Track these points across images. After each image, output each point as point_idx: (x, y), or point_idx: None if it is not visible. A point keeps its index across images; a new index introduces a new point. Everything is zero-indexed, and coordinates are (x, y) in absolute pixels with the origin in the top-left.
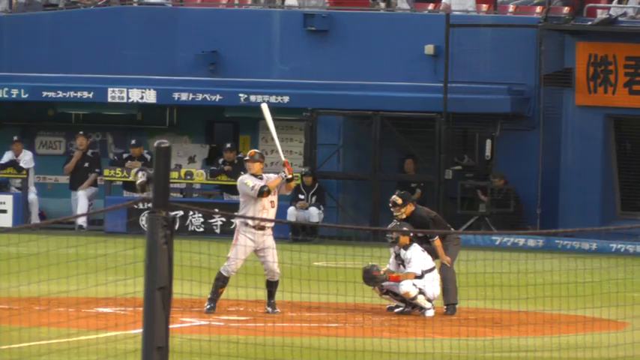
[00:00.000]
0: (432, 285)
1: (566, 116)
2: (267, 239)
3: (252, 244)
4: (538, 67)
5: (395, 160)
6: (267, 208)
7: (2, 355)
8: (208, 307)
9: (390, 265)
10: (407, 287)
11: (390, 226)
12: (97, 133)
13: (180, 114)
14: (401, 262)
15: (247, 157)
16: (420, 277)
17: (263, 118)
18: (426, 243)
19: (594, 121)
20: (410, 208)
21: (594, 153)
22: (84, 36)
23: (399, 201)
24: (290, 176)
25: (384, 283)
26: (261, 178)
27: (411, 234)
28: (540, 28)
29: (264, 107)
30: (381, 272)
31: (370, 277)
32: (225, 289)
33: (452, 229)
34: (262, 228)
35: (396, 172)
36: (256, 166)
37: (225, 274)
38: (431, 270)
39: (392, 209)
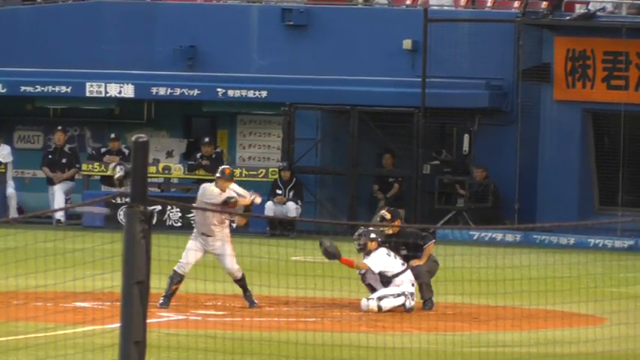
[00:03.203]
0: (406, 286)
1: (544, 111)
2: (218, 246)
3: (201, 247)
4: (516, 62)
5: (373, 155)
6: (215, 224)
7: None
8: (162, 301)
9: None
10: (367, 306)
11: (373, 219)
12: (75, 128)
13: (158, 108)
14: None
15: (219, 175)
16: (388, 281)
17: (241, 113)
18: (416, 252)
19: (572, 115)
20: (398, 224)
21: (572, 148)
22: (62, 30)
23: (388, 216)
24: (259, 199)
25: (367, 282)
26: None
27: (379, 240)
28: (518, 23)
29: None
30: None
31: (329, 254)
32: (180, 286)
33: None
34: (210, 235)
35: (374, 166)
36: (227, 184)
37: (180, 271)
38: (400, 273)
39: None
